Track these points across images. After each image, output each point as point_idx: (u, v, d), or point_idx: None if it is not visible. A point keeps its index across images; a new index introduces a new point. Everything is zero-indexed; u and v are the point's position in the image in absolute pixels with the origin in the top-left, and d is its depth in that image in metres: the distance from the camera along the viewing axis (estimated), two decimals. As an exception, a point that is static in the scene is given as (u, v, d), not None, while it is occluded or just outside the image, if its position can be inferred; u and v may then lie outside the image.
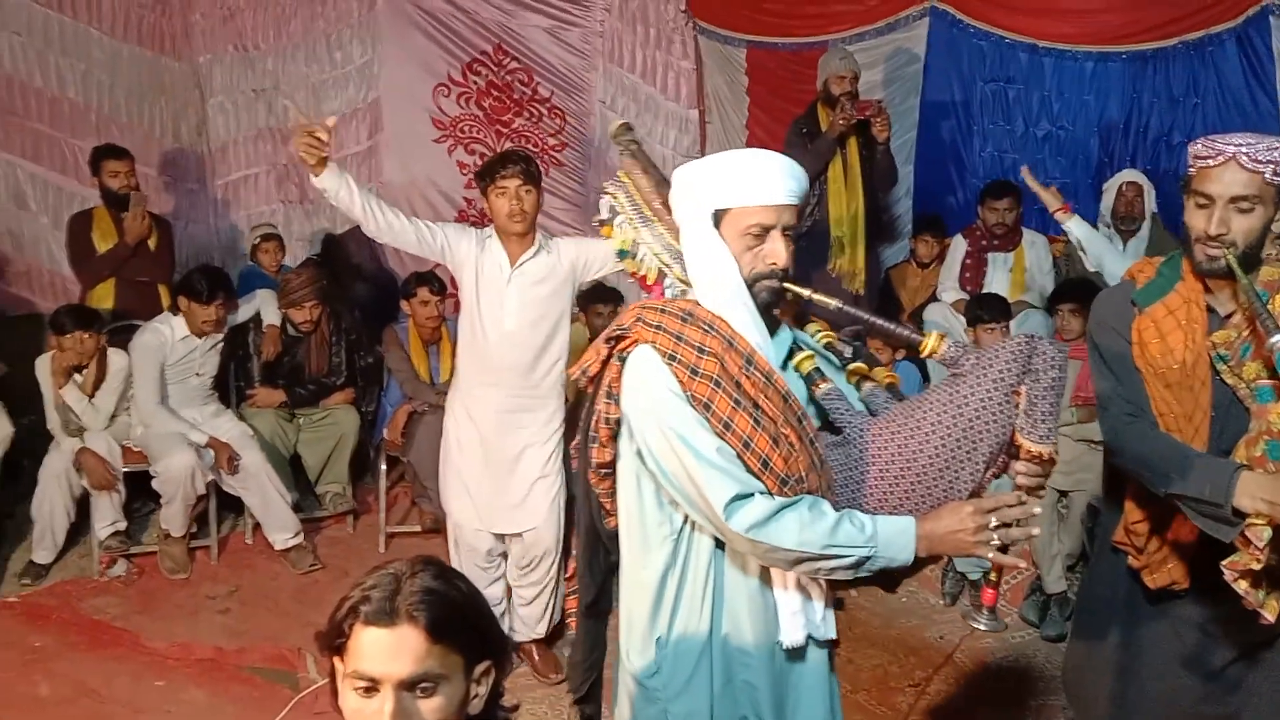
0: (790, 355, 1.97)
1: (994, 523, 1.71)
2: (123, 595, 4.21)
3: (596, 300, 5.08)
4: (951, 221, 5.36)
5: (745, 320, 1.83)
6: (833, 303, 1.93)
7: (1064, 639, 3.86)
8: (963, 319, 4.51)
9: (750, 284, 1.85)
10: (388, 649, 1.30)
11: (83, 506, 4.39)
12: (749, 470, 1.77)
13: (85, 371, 4.34)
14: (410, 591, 1.33)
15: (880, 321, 2.01)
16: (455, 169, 6.27)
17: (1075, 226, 3.88)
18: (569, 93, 6.12)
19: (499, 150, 6.13)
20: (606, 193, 2.09)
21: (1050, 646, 3.88)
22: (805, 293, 1.89)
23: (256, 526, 4.62)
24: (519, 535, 3.63)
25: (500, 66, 6.13)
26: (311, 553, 4.52)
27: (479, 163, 6.10)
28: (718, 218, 1.85)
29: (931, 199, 5.57)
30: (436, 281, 4.85)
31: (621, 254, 2.04)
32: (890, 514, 1.82)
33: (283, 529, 4.49)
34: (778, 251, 1.84)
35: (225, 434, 4.45)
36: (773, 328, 1.92)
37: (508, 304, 3.47)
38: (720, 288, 1.84)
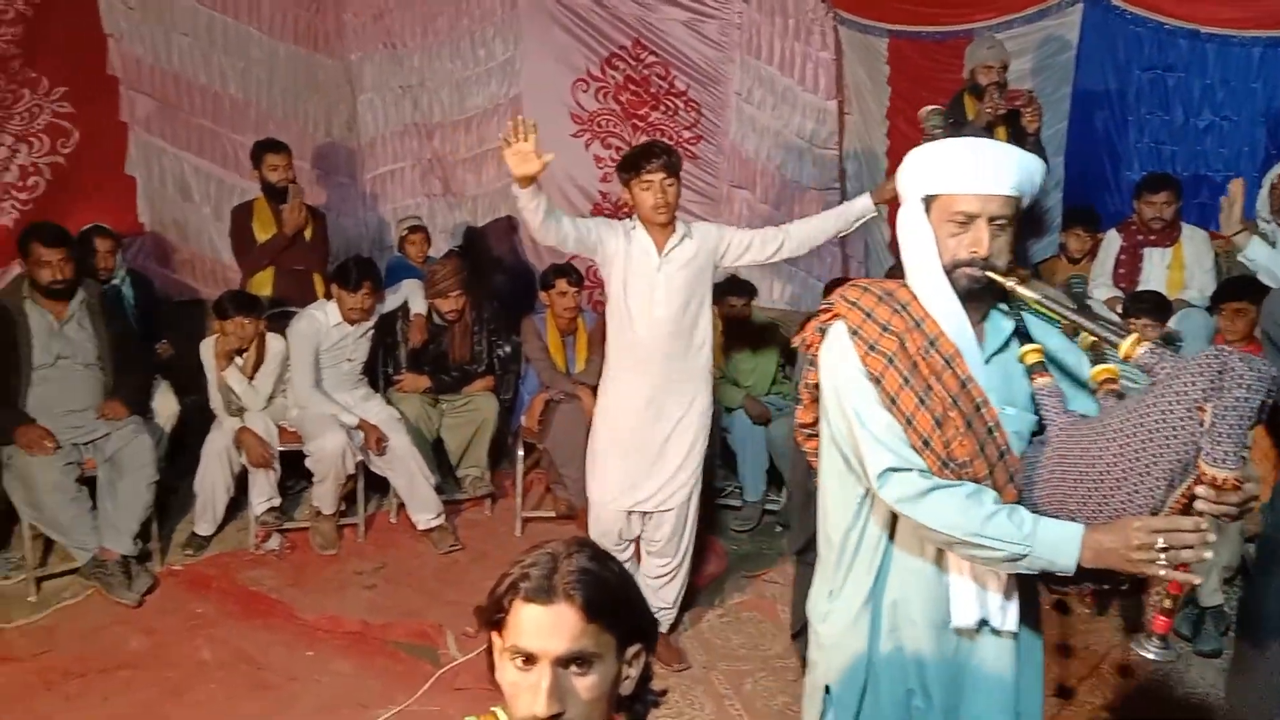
0: (1022, 342, 1.95)
1: (1160, 543, 1.64)
2: (276, 568, 4.43)
3: (730, 292, 5.08)
4: (1105, 215, 5.15)
5: (941, 304, 1.88)
6: (1033, 294, 1.89)
7: (1218, 654, 3.69)
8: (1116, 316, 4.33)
9: (950, 270, 1.88)
10: (545, 626, 1.33)
11: (241, 483, 4.63)
12: (912, 447, 1.83)
13: (246, 355, 4.58)
14: (567, 571, 1.35)
15: (1081, 318, 1.91)
16: (592, 163, 6.35)
17: (1256, 250, 3.66)
18: (705, 86, 6.12)
19: (635, 144, 6.21)
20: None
21: (1203, 662, 3.70)
22: (1007, 283, 1.87)
23: (401, 506, 4.79)
24: (654, 516, 3.67)
25: (638, 61, 6.17)
26: (452, 533, 4.67)
27: (615, 157, 6.19)
28: (928, 203, 1.91)
29: (1083, 192, 5.36)
30: (574, 273, 4.94)
31: None
32: (1067, 519, 1.77)
33: (425, 509, 4.64)
34: (979, 240, 1.86)
35: (374, 417, 4.63)
36: (985, 314, 1.95)
37: (657, 292, 3.52)
38: (919, 270, 1.91)
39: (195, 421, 4.78)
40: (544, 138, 6.34)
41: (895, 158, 5.67)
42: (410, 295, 4.98)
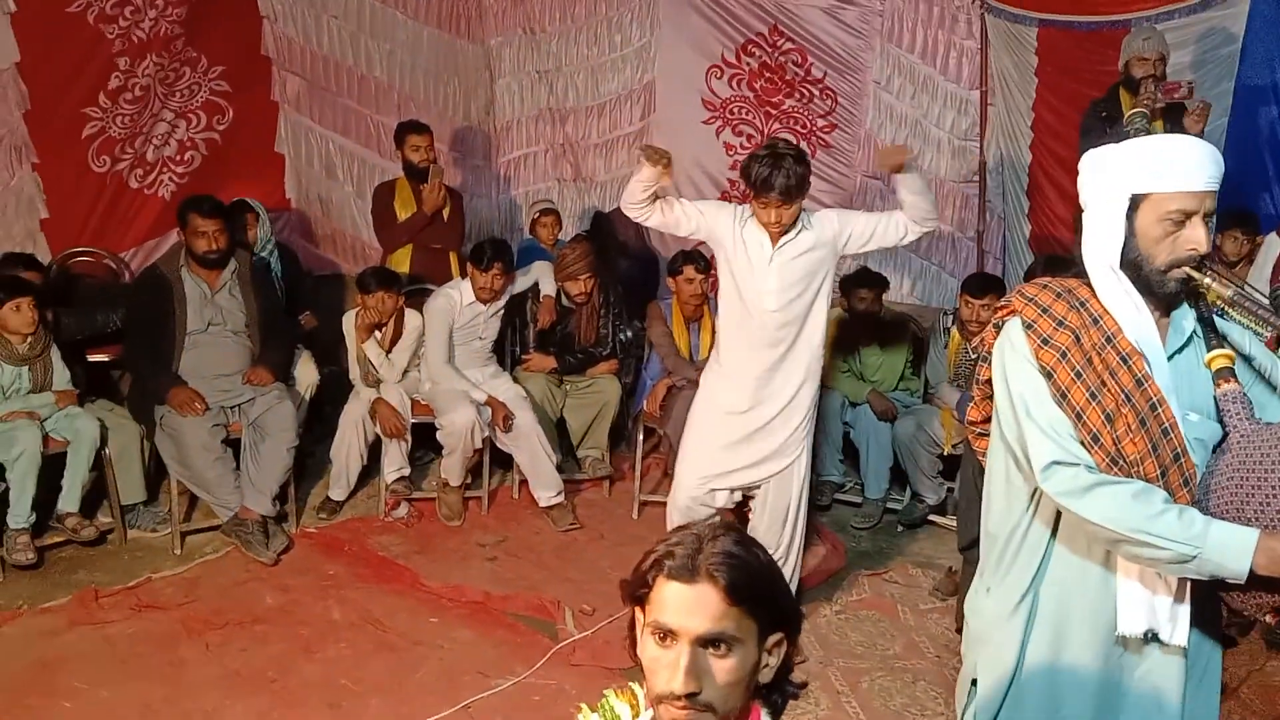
0: (1208, 346, 1.89)
1: None
2: (404, 535, 4.57)
3: (860, 285, 5.00)
4: (1265, 218, 4.86)
5: (1122, 302, 1.86)
6: (1227, 290, 1.84)
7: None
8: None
9: (1164, 270, 1.85)
10: (687, 604, 1.33)
11: (373, 452, 4.79)
12: (1081, 443, 1.82)
13: (384, 329, 4.73)
14: (712, 552, 1.35)
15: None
16: (722, 150, 6.32)
17: None
18: (842, 73, 6.01)
19: (768, 132, 6.16)
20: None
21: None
22: (1203, 278, 1.83)
23: (523, 483, 4.88)
24: (754, 505, 3.67)
25: (774, 48, 6.11)
26: (571, 512, 4.73)
27: (746, 145, 6.15)
28: (1135, 202, 1.86)
29: (1242, 192, 5.07)
30: (702, 260, 4.93)
31: None
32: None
33: (547, 487, 4.72)
34: (1198, 238, 1.83)
35: (502, 394, 4.73)
36: (1169, 313, 1.91)
37: (769, 284, 3.48)
38: (1103, 268, 1.89)
39: (333, 391, 4.97)
40: (675, 123, 6.46)
41: (1039, 151, 5.49)
42: (540, 277, 5.05)
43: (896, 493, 4.97)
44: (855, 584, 4.29)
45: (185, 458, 4.27)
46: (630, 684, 1.54)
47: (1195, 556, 1.69)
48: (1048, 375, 1.85)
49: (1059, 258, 4.46)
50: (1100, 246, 1.88)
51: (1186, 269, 1.82)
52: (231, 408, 4.43)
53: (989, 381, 2.03)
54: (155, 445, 4.37)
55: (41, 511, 4.18)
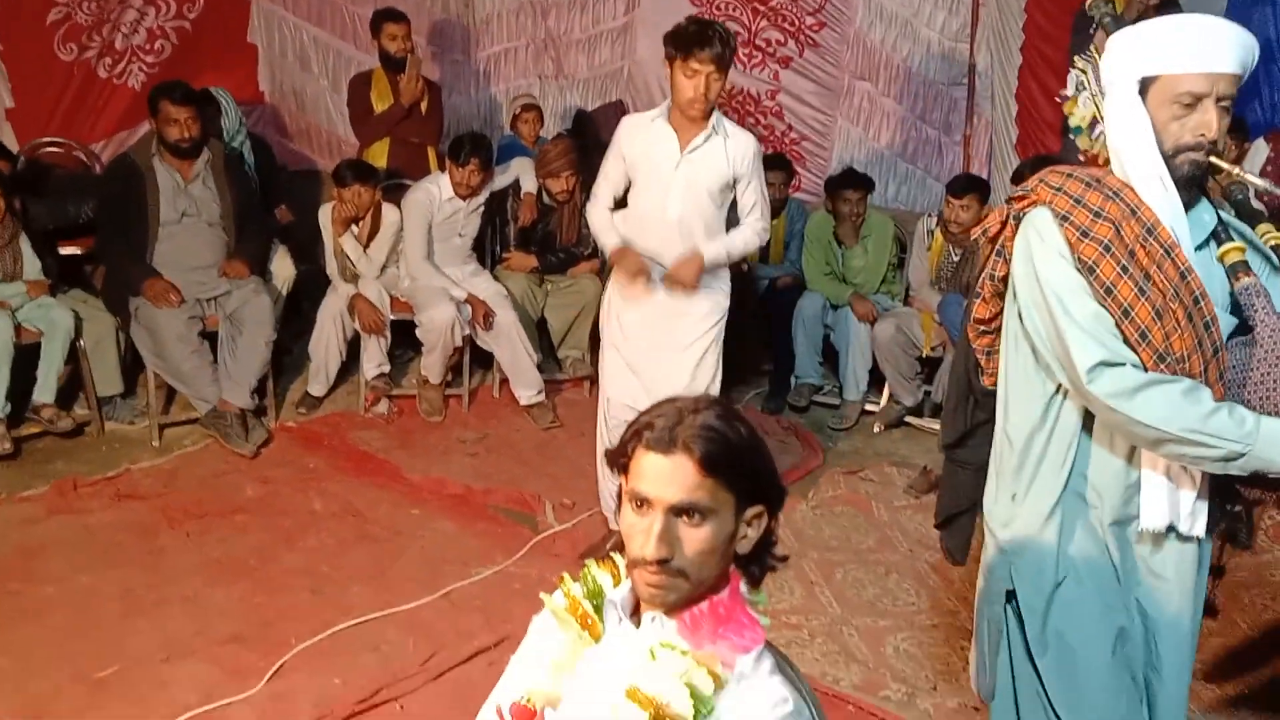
0: (1218, 239, 1.86)
1: None
2: (385, 431, 4.58)
3: (845, 185, 4.97)
4: (1253, 124, 4.83)
5: (1156, 192, 1.78)
6: (1260, 182, 1.81)
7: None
8: None
9: (1172, 155, 1.78)
10: (663, 474, 1.34)
11: (353, 348, 4.76)
12: (1125, 340, 1.76)
13: (361, 223, 4.67)
14: (691, 425, 1.35)
15: None
16: (708, 49, 6.17)
17: None
18: (832, -31, 5.86)
19: (754, 29, 6.02)
20: (1075, 68, 2.06)
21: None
22: (1233, 169, 1.79)
23: (504, 382, 4.88)
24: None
25: (763, -59, 5.94)
26: (552, 411, 4.75)
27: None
28: (1144, 85, 1.79)
29: (1230, 97, 5.02)
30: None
31: (1076, 130, 2.02)
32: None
33: (528, 386, 4.72)
34: (1208, 122, 1.76)
35: (482, 292, 4.70)
36: (1194, 205, 1.85)
37: (673, 191, 3.34)
38: (1135, 158, 1.80)
39: (311, 288, 4.92)
40: (659, 19, 6.28)
41: (1030, 54, 5.40)
42: (521, 174, 4.97)
43: (874, 395, 5.01)
44: (831, 481, 4.34)
45: (161, 350, 4.23)
46: (612, 554, 1.56)
47: (1246, 454, 1.68)
48: (1089, 270, 1.76)
49: (1047, 158, 4.43)
50: (1133, 133, 1.79)
51: (1212, 159, 1.75)
52: (207, 300, 4.38)
53: (1004, 279, 1.94)
54: (131, 337, 4.32)
55: (18, 404, 4.15)
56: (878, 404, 4.98)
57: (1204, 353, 1.74)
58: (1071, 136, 2.11)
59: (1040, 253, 1.81)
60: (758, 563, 1.48)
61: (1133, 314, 1.74)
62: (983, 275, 2.03)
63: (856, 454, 4.66)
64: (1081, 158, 2.17)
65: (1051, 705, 1.96)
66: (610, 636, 1.46)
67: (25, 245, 4.24)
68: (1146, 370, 1.74)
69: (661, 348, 3.50)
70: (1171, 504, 1.85)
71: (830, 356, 5.10)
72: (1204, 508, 1.86)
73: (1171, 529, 1.88)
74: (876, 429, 4.87)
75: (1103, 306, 1.76)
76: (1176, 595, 1.93)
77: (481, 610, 3.30)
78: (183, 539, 3.63)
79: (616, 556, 1.53)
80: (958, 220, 4.61)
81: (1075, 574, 1.92)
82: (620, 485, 1.45)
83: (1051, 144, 5.17)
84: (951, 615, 3.42)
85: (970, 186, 4.65)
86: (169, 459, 4.20)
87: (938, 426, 4.72)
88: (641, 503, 1.37)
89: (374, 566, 3.53)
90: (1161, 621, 1.94)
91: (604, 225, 3.50)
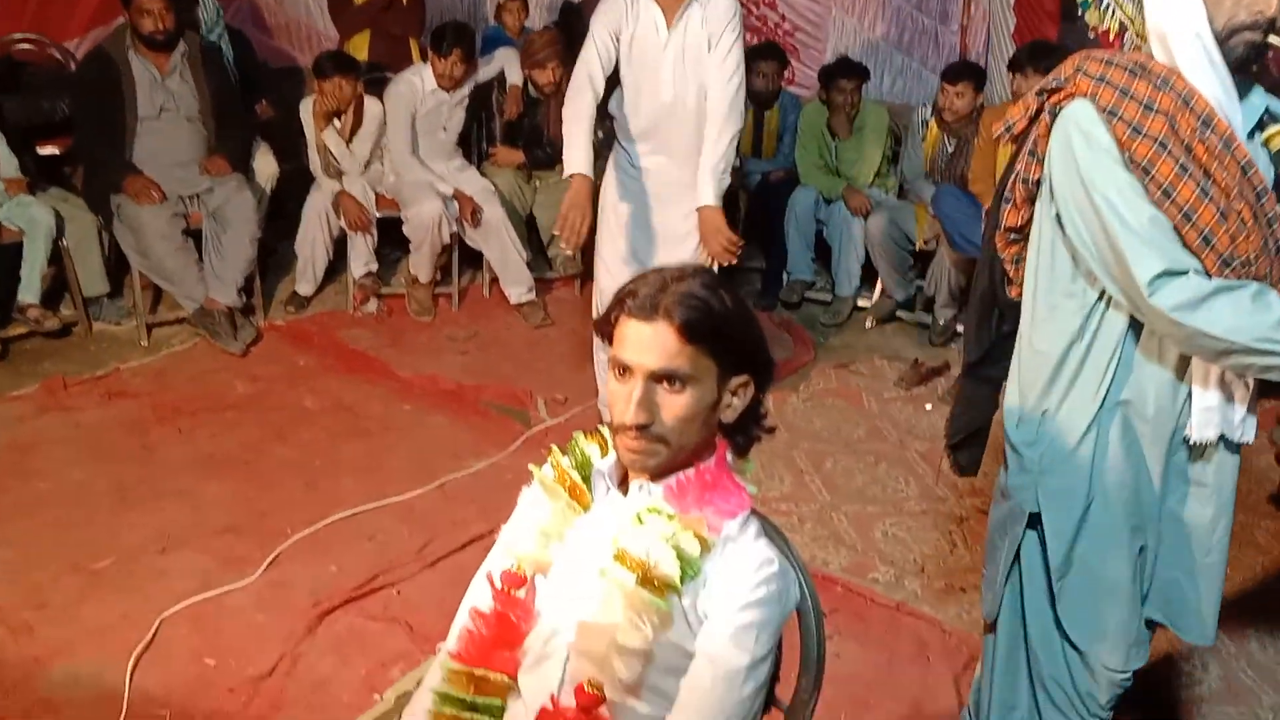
0: (1261, 127, 1.74)
1: None
2: (374, 330, 4.56)
3: (839, 74, 4.86)
4: None
5: (1209, 78, 1.62)
6: None
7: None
8: None
9: (1225, 37, 1.63)
10: (642, 341, 1.34)
11: (340, 247, 4.71)
12: (1185, 246, 1.62)
13: (343, 117, 4.56)
14: (673, 292, 1.34)
15: None
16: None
17: None
18: None
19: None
20: None
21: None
22: None
23: (494, 281, 4.85)
24: None
25: None
26: (542, 309, 4.72)
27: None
28: None
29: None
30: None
31: (1084, 5, 1.88)
32: None
33: (518, 284, 4.69)
34: None
35: (469, 188, 4.62)
36: (1244, 90, 1.69)
37: (663, 71, 3.25)
38: (1182, 40, 1.63)
39: (295, 186, 4.83)
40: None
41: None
42: (506, 65, 4.84)
43: (866, 291, 4.98)
44: (822, 375, 4.35)
45: (145, 248, 4.17)
46: (599, 427, 1.56)
47: None
48: (1144, 171, 1.61)
49: (1045, 44, 4.33)
50: (1181, 11, 1.62)
51: (1270, 39, 1.62)
52: (190, 197, 4.31)
53: (1037, 182, 1.78)
54: (114, 236, 4.26)
55: (4, 305, 4.12)
56: (870, 300, 4.96)
57: (1269, 253, 1.62)
58: (1079, 12, 1.93)
59: (1084, 153, 1.66)
60: (743, 432, 1.47)
61: (1195, 217, 1.59)
62: (1012, 178, 1.85)
63: (848, 349, 4.66)
64: (1092, 34, 1.98)
65: (1062, 630, 1.93)
66: (598, 505, 1.47)
67: (0, 143, 4.15)
68: (1210, 276, 1.62)
69: (658, 240, 3.46)
70: (1224, 415, 1.76)
71: (823, 253, 5.05)
72: (1255, 417, 1.78)
73: (1221, 438, 1.79)
74: (868, 324, 4.86)
75: (1159, 210, 1.61)
76: (1215, 500, 1.85)
77: (475, 501, 3.33)
78: (174, 435, 3.63)
79: (604, 429, 1.53)
80: (952, 108, 4.53)
81: (1104, 496, 1.83)
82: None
83: (1049, 31, 5.05)
84: (939, 502, 3.46)
85: (965, 73, 4.56)
86: (158, 358, 4.18)
87: (928, 321, 4.74)
88: (623, 370, 1.36)
89: (367, 460, 3.54)
90: (1197, 526, 1.87)
91: (574, 133, 3.20)
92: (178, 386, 3.97)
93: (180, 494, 3.28)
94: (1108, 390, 1.78)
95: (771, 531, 1.47)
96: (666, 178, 3.41)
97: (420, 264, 4.60)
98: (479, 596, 1.49)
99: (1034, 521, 1.93)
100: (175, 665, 2.57)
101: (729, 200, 4.74)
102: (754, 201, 5.14)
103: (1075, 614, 1.90)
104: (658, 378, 1.34)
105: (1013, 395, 1.93)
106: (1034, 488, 1.89)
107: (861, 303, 4.96)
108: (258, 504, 3.25)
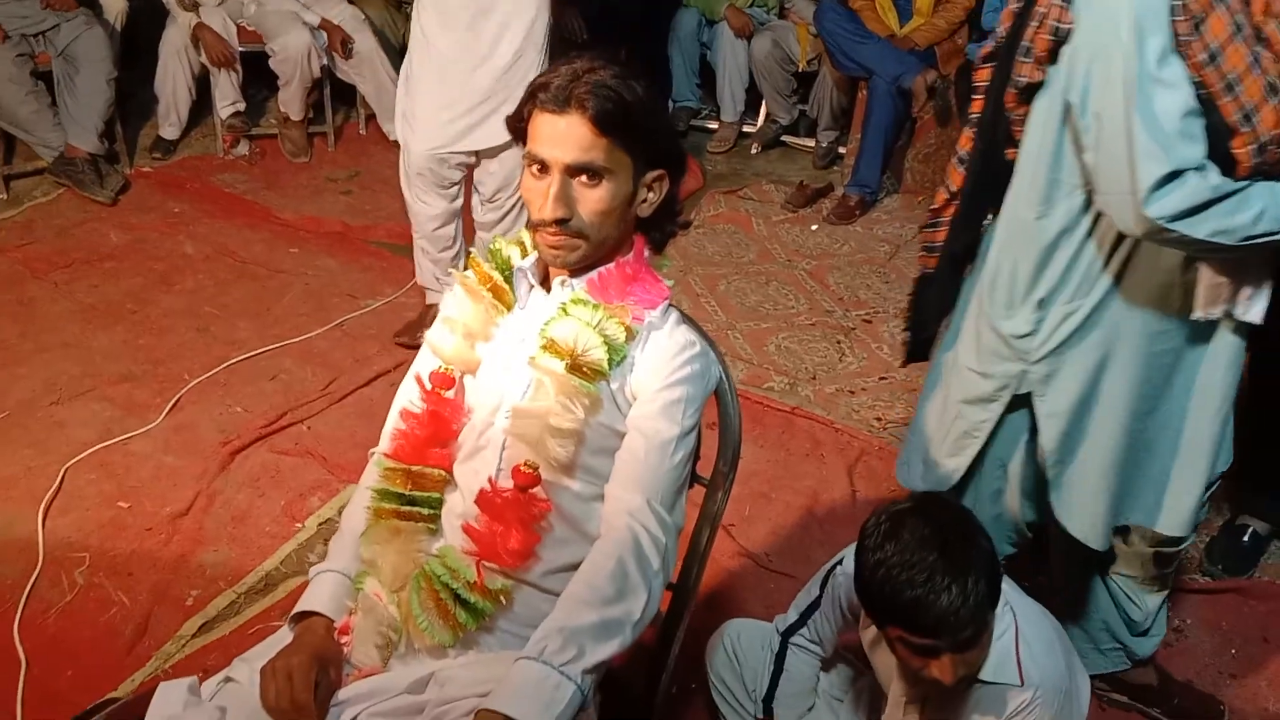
0: None
1: None
2: (249, 173, 4.39)
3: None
4: None
5: None
6: None
7: None
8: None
9: None
10: (558, 134, 1.34)
11: (202, 87, 4.46)
12: (1224, 121, 1.46)
13: (194, -59, 4.24)
14: (585, 83, 1.34)
15: None
16: None
17: None
18: None
19: None
20: None
21: None
22: None
23: (370, 117, 4.70)
24: (481, 163, 3.07)
25: None
26: (425, 144, 4.59)
27: None
28: None
29: None
30: None
31: None
32: None
33: (395, 119, 4.52)
34: None
35: (337, 17, 4.40)
36: None
37: None
38: None
39: (147, 24, 4.51)
40: None
41: None
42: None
43: (751, 117, 5.01)
44: (712, 202, 4.41)
45: (-9, 93, 3.88)
46: (520, 230, 1.57)
47: None
48: (1194, 28, 1.43)
49: None
50: None
51: None
52: (34, 36, 3.98)
53: (1069, 32, 1.57)
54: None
55: None
56: (755, 125, 4.99)
57: None
58: None
59: (1125, 6, 1.45)
60: (659, 228, 1.52)
61: (1238, 89, 1.43)
62: (1036, 26, 1.61)
63: (736, 175, 4.72)
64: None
65: (1031, 500, 1.94)
66: (521, 303, 1.50)
67: None
68: (1235, 160, 1.47)
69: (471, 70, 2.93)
70: (1230, 292, 1.64)
71: (708, 80, 5.03)
72: (1263, 294, 1.64)
73: (1227, 316, 1.67)
74: (754, 149, 4.91)
75: (1199, 77, 1.43)
76: (1221, 371, 1.73)
77: (376, 338, 3.33)
78: (51, 288, 3.48)
79: (524, 232, 1.55)
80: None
81: (1106, 383, 1.75)
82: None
83: None
84: (827, 315, 3.62)
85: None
86: (21, 211, 3.95)
87: (812, 144, 4.82)
88: (539, 166, 1.37)
89: (258, 304, 3.48)
90: (1198, 411, 1.77)
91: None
92: (48, 239, 3.77)
93: (66, 346, 3.18)
94: (1112, 273, 1.67)
95: (689, 321, 1.53)
96: (459, 21, 2.87)
97: (290, 101, 4.40)
98: (409, 398, 1.52)
99: (1013, 406, 1.86)
100: (88, 511, 2.55)
101: (608, 26, 4.64)
102: (635, 26, 5.04)
103: (1060, 492, 1.85)
104: (574, 171, 1.35)
105: (994, 278, 1.81)
106: (1021, 374, 1.80)
107: (747, 128, 4.99)
108: (151, 352, 3.18)
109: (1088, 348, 1.74)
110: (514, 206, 3.16)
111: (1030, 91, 1.68)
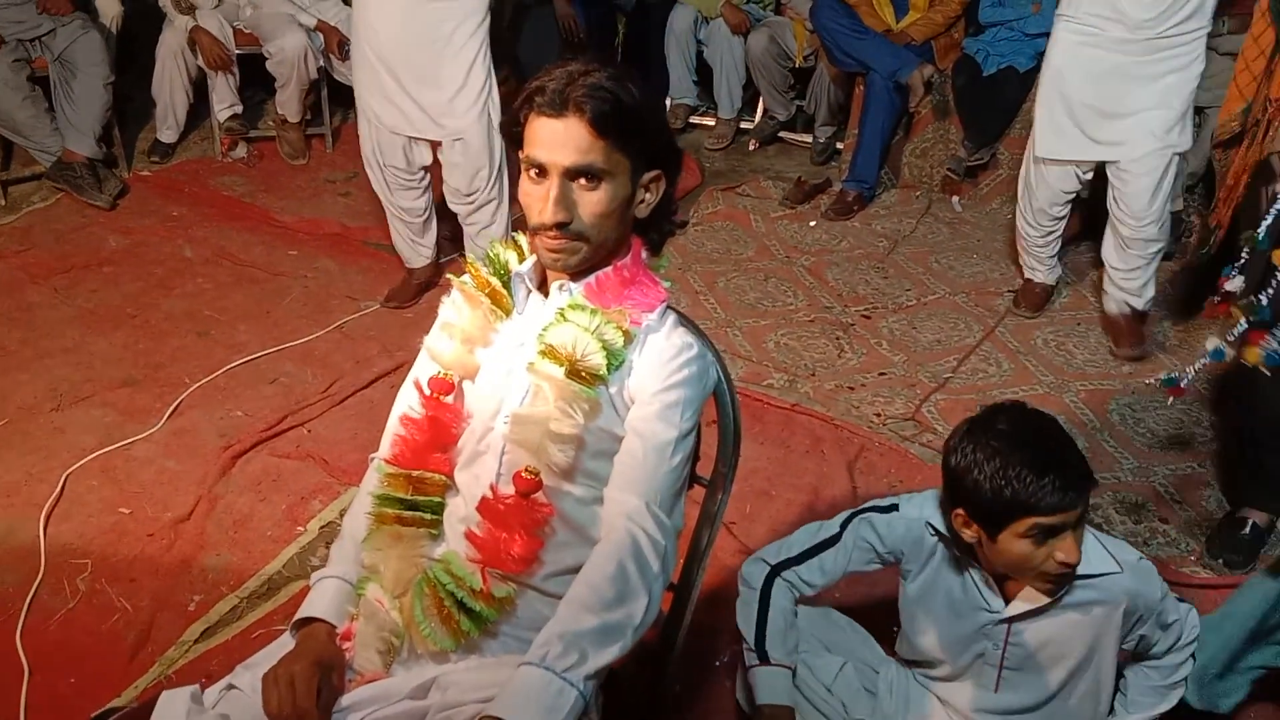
0: None
1: None
2: (247, 176, 4.39)
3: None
4: None
5: None
6: None
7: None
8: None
9: None
10: (556, 137, 1.34)
11: (199, 90, 4.46)
12: None
13: (190, -56, 4.24)
14: (582, 85, 1.33)
15: None
16: None
17: None
18: None
19: None
20: None
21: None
22: None
23: (368, 118, 4.68)
24: (444, 148, 3.22)
25: None
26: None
27: None
28: None
29: None
30: None
31: None
32: None
33: (394, 119, 4.53)
34: None
35: (332, 18, 4.39)
36: None
37: None
38: None
39: (142, 26, 4.53)
40: None
41: None
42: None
43: (748, 114, 5.01)
44: (710, 199, 4.41)
45: (-12, 99, 3.88)
46: (514, 234, 1.57)
47: None
48: None
49: None
50: None
51: None
52: (30, 41, 3.99)
53: None
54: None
55: None
56: (752, 122, 4.99)
57: None
58: None
59: None
60: (656, 228, 1.52)
61: None
62: None
63: (734, 171, 4.72)
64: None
65: None
66: (520, 308, 1.51)
67: None
68: None
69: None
70: None
71: (705, 78, 5.03)
72: None
73: None
74: (751, 146, 4.91)
75: None
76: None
77: (377, 339, 3.33)
78: (51, 294, 3.49)
79: (519, 236, 1.55)
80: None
81: None
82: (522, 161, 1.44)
83: None
84: (826, 311, 3.62)
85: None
86: (19, 217, 3.96)
87: (809, 140, 4.82)
88: (538, 169, 1.37)
89: (258, 306, 3.48)
90: None
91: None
92: (47, 244, 3.78)
93: (67, 352, 3.18)
94: None
95: (687, 323, 1.54)
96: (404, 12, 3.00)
97: (288, 103, 4.41)
98: (409, 404, 1.52)
99: None
100: (89, 517, 2.55)
101: (605, 24, 4.66)
102: (631, 24, 5.05)
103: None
104: (573, 174, 1.35)
105: None
106: None
107: (744, 125, 4.99)
108: (151, 356, 3.18)
109: None
110: (490, 199, 3.31)
111: None
